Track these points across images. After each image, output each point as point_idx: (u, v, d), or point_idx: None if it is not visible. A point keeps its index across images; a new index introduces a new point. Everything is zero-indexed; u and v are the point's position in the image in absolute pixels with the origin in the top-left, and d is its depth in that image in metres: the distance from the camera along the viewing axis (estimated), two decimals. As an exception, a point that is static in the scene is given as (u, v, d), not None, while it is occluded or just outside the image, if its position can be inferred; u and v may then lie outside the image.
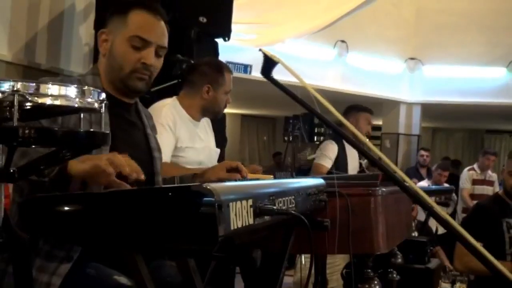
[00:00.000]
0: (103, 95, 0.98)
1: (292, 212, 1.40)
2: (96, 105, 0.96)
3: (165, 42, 1.96)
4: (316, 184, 1.94)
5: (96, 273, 1.60)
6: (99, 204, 1.18)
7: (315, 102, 1.23)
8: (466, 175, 8.09)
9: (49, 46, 4.49)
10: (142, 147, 1.99)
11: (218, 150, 3.19)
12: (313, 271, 2.22)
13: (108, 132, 1.03)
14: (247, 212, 1.21)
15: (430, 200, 1.04)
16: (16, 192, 1.62)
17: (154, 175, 1.98)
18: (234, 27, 4.29)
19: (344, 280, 3.31)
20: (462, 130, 15.88)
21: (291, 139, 9.10)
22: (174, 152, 2.85)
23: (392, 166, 1.15)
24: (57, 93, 0.90)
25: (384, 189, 2.34)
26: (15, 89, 0.84)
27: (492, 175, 8.10)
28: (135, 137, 1.99)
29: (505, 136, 15.40)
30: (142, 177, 1.45)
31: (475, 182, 7.96)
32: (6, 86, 0.85)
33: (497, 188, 7.68)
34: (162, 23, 1.95)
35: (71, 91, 0.91)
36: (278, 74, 1.68)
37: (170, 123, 2.83)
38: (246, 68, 7.70)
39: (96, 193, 1.19)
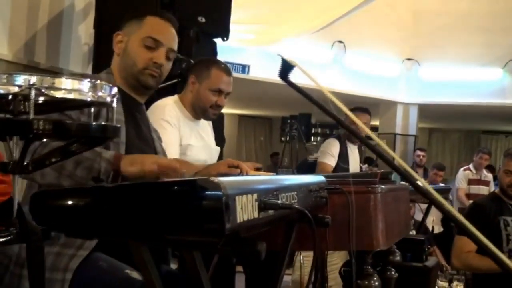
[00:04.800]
0: (115, 90, 1.01)
1: (297, 206, 1.42)
2: (108, 99, 0.98)
3: (175, 46, 2.10)
4: (317, 181, 1.95)
5: (107, 266, 1.65)
6: (107, 198, 1.20)
7: (330, 104, 1.25)
8: (462, 174, 8.13)
9: (48, 45, 4.49)
10: (150, 147, 2.09)
11: (219, 149, 3.20)
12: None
13: (119, 126, 1.06)
14: (252, 206, 1.23)
15: (442, 199, 1.07)
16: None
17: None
18: (232, 27, 4.30)
19: (343, 278, 3.32)
20: (458, 131, 15.95)
21: (287, 139, 9.15)
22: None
23: (406, 167, 1.17)
24: (70, 87, 0.92)
25: (383, 187, 2.36)
26: (31, 82, 0.87)
27: (487, 175, 8.15)
28: (144, 135, 2.08)
29: (501, 137, 15.48)
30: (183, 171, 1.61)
31: (470, 182, 8.00)
32: (22, 79, 0.88)
33: (492, 188, 7.72)
34: (174, 30, 2.11)
35: (85, 85, 0.94)
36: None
37: (174, 120, 2.84)
38: (244, 68, 7.74)
39: (104, 186, 1.21)
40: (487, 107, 10.37)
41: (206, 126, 3.14)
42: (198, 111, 2.97)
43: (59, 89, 0.90)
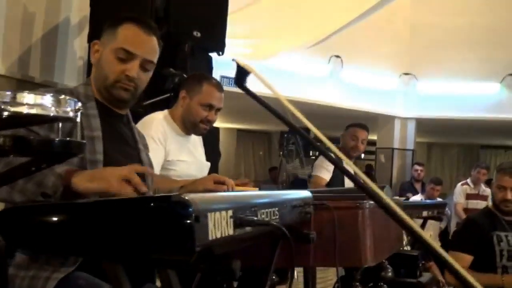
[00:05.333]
0: (79, 104, 0.99)
1: (273, 223, 1.40)
2: (71, 114, 0.96)
3: (151, 56, 1.96)
4: (302, 196, 1.93)
5: (86, 284, 1.60)
6: (79, 214, 1.18)
7: (288, 114, 1.23)
8: (460, 189, 8.10)
9: (42, 59, 4.49)
10: (134, 159, 2.00)
11: (209, 164, 3.18)
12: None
13: (84, 141, 1.03)
14: (226, 223, 1.21)
15: (403, 213, 1.03)
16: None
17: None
18: (228, 41, 4.30)
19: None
20: (457, 145, 15.94)
21: (284, 153, 9.13)
22: (165, 165, 2.85)
23: (368, 181, 1.14)
24: (32, 102, 0.90)
25: (372, 202, 2.34)
26: (-12, 97, 0.85)
27: (485, 189, 8.10)
28: (126, 148, 2.00)
29: (500, 152, 15.47)
30: (144, 189, 1.50)
31: (468, 196, 7.97)
32: (-21, 95, 0.86)
33: (491, 203, 7.68)
34: (152, 38, 1.96)
35: (47, 100, 0.92)
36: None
37: (160, 136, 2.82)
38: (240, 82, 7.72)
39: (75, 203, 1.19)
40: (485, 122, 10.35)
41: (196, 142, 3.13)
42: (188, 126, 2.96)
43: (21, 104, 0.88)
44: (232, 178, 2.72)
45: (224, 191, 2.11)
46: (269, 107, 1.27)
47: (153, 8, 3.93)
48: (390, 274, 3.04)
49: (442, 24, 9.15)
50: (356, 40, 8.55)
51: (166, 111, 3.03)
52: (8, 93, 0.89)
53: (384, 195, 1.07)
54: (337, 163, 1.34)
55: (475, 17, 9.05)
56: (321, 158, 4.79)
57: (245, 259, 1.37)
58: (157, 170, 2.75)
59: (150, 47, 1.96)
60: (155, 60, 1.99)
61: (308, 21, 6.52)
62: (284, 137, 9.79)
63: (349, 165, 1.24)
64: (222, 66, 4.32)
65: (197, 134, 3.05)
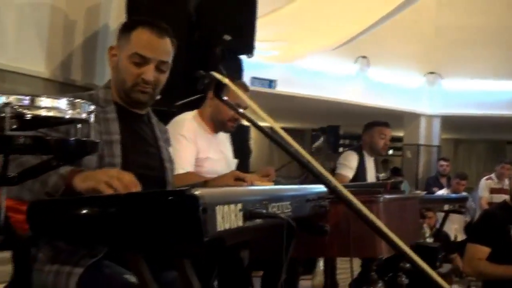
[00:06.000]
0: (92, 107, 1.02)
1: (280, 215, 1.41)
2: (84, 115, 0.99)
3: (165, 57, 1.95)
4: (316, 191, 1.94)
5: (110, 271, 1.63)
6: (103, 207, 1.22)
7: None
8: (484, 184, 8.00)
9: (84, 63, 4.58)
10: (154, 157, 2.01)
11: (236, 161, 3.21)
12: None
13: (98, 141, 1.07)
14: (235, 215, 1.23)
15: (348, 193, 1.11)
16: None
17: (166, 184, 2.00)
18: (257, 44, 4.33)
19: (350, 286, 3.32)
20: (484, 142, 15.67)
21: (314, 150, 9.15)
22: (195, 162, 2.89)
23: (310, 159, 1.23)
24: (50, 105, 0.94)
25: (387, 196, 2.34)
26: (7, 102, 0.89)
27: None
28: (146, 147, 2.00)
29: (526, 147, 15.13)
30: (135, 189, 1.47)
31: (492, 191, 7.85)
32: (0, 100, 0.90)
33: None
34: (165, 40, 1.95)
35: (62, 103, 0.96)
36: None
37: (191, 135, 2.87)
38: (271, 83, 7.75)
39: (94, 197, 1.23)
40: (510, 118, 10.17)
41: (224, 140, 3.16)
42: (217, 124, 3.00)
43: (39, 107, 0.92)
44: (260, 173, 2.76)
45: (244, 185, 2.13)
46: (244, 116, 1.38)
47: (187, 14, 3.99)
48: (408, 265, 3.03)
49: (465, 25, 9.05)
50: (382, 40, 8.51)
51: (195, 111, 3.07)
52: (26, 97, 0.93)
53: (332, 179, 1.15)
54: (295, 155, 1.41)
55: (496, 18, 8.93)
56: (343, 156, 4.77)
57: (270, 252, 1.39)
58: (190, 166, 2.80)
59: (163, 49, 1.94)
60: (170, 60, 1.98)
61: (333, 23, 6.49)
62: (314, 135, 9.79)
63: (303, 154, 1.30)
64: (253, 67, 4.36)
65: (225, 131, 3.09)
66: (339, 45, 7.26)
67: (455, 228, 7.07)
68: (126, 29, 1.96)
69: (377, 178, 4.86)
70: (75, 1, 4.46)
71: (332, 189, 1.11)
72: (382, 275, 2.85)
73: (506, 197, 7.89)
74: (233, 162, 3.17)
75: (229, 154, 3.20)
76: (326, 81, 8.59)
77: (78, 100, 0.99)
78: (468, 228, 7.86)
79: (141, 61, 1.89)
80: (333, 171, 4.78)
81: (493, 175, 8.06)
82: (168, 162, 2.05)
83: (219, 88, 1.42)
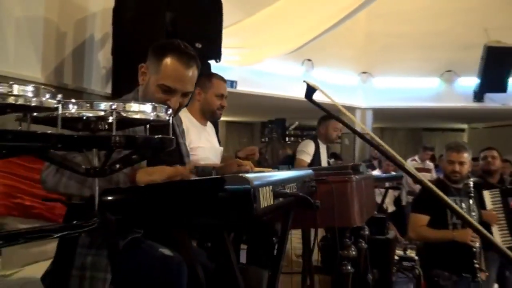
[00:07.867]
0: (170, 111, 1.07)
1: (301, 194, 1.50)
2: (166, 117, 1.04)
3: (190, 87, 1.89)
4: (308, 173, 2.03)
5: (147, 246, 1.64)
6: (163, 193, 1.26)
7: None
8: (410, 164, 8.29)
9: (74, 69, 4.49)
10: (175, 155, 2.00)
11: (221, 149, 3.26)
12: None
13: (173, 137, 1.11)
14: (269, 195, 1.31)
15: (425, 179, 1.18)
16: None
17: None
18: (223, 50, 4.36)
19: (320, 249, 3.40)
20: (404, 129, 16.12)
21: (267, 140, 9.25)
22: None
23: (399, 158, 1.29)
24: (137, 109, 0.98)
25: (357, 177, 2.44)
26: (113, 108, 0.93)
27: (429, 164, 8.35)
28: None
29: (438, 133, 15.72)
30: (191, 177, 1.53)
31: (416, 170, 8.16)
32: (103, 105, 0.94)
33: (434, 174, 7.93)
34: (192, 69, 1.86)
35: (147, 107, 1.00)
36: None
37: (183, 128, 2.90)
38: (232, 83, 7.78)
39: (159, 184, 1.27)
40: (427, 109, 10.57)
41: (211, 131, 3.20)
42: (207, 115, 3.04)
43: (130, 111, 0.97)
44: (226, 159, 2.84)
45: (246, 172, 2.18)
46: (333, 115, 1.42)
47: (164, 26, 3.97)
48: (367, 232, 3.15)
49: (392, 31, 9.32)
50: (324, 46, 8.66)
51: (185, 109, 3.09)
52: (121, 103, 0.97)
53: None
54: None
55: (418, 25, 9.21)
56: (302, 143, 4.84)
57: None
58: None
59: (189, 80, 1.86)
60: (193, 87, 1.92)
61: (287, 33, 6.58)
62: (266, 127, 9.87)
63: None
64: (217, 69, 4.39)
65: (215, 119, 3.14)
66: (291, 51, 7.34)
67: (387, 201, 7.31)
68: (157, 54, 1.87)
69: (328, 163, 4.98)
70: (66, 14, 4.37)
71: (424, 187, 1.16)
72: (350, 240, 2.94)
73: (427, 175, 8.22)
74: (219, 150, 3.21)
75: (216, 143, 3.24)
76: (278, 81, 8.69)
77: (160, 104, 1.04)
78: (397, 201, 8.17)
79: (167, 89, 1.83)
80: (292, 157, 4.87)
81: (416, 157, 8.41)
82: (186, 157, 2.07)
83: (310, 92, 1.49)
